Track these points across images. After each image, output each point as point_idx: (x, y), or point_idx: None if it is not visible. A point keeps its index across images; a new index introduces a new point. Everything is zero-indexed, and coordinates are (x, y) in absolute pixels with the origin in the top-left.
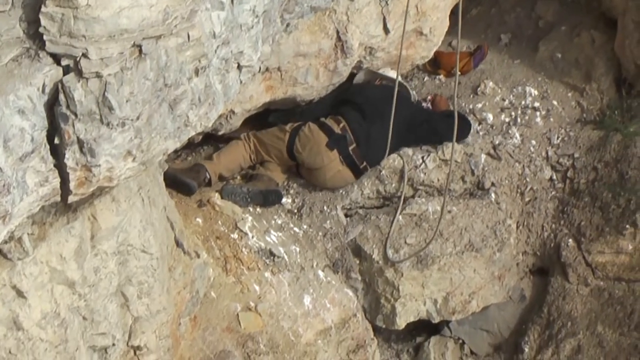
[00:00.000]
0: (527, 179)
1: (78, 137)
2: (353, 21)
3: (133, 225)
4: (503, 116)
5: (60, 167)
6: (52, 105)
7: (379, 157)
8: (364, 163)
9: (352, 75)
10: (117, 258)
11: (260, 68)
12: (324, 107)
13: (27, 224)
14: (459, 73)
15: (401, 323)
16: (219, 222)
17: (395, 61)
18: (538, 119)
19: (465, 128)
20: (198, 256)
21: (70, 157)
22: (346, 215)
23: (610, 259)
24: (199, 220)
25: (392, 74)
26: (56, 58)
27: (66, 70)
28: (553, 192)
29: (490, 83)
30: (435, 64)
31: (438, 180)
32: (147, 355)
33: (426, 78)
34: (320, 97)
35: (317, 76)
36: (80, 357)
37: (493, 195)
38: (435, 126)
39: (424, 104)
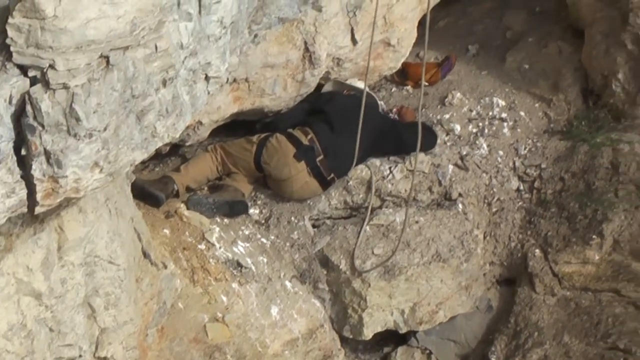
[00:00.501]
0: (495, 190)
1: (45, 149)
2: (321, 32)
3: (100, 236)
4: (470, 127)
5: (27, 178)
6: (19, 117)
7: (346, 169)
8: (332, 175)
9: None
10: (84, 269)
11: (228, 79)
12: (300, 115)
13: None
14: (426, 84)
15: (368, 333)
16: (187, 233)
17: (363, 72)
18: (505, 130)
19: (431, 139)
20: (165, 267)
21: (37, 169)
22: (314, 226)
23: (577, 269)
24: (167, 231)
25: (360, 84)
26: (23, 69)
27: (33, 82)
28: (520, 203)
29: (458, 94)
30: (403, 75)
31: (405, 190)
32: None
33: (394, 89)
34: (295, 106)
35: (285, 87)
36: None
37: (460, 205)
38: (402, 137)
39: (390, 115)
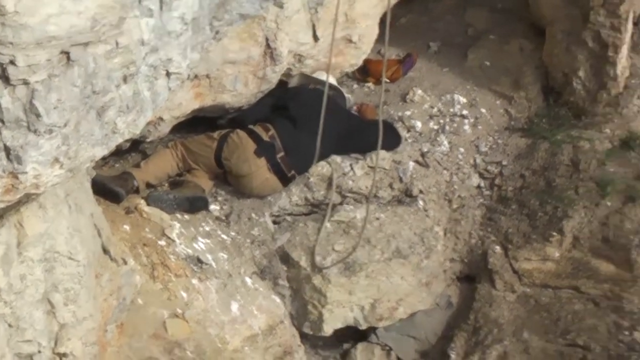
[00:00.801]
0: (455, 187)
1: (5, 144)
2: (282, 29)
3: (60, 232)
4: (432, 124)
5: None
6: None
7: (307, 165)
8: (292, 171)
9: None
10: (43, 265)
11: (189, 75)
12: (264, 110)
13: None
14: (387, 81)
15: (328, 330)
16: (147, 229)
17: (324, 69)
18: (466, 127)
19: (395, 139)
20: (125, 263)
21: None
22: (274, 222)
23: (537, 266)
24: (127, 227)
25: (325, 77)
26: None
27: None
28: (481, 200)
29: (419, 91)
30: (365, 72)
31: (366, 187)
32: None
33: (355, 86)
34: (260, 100)
35: (246, 83)
36: None
37: (421, 202)
38: (366, 135)
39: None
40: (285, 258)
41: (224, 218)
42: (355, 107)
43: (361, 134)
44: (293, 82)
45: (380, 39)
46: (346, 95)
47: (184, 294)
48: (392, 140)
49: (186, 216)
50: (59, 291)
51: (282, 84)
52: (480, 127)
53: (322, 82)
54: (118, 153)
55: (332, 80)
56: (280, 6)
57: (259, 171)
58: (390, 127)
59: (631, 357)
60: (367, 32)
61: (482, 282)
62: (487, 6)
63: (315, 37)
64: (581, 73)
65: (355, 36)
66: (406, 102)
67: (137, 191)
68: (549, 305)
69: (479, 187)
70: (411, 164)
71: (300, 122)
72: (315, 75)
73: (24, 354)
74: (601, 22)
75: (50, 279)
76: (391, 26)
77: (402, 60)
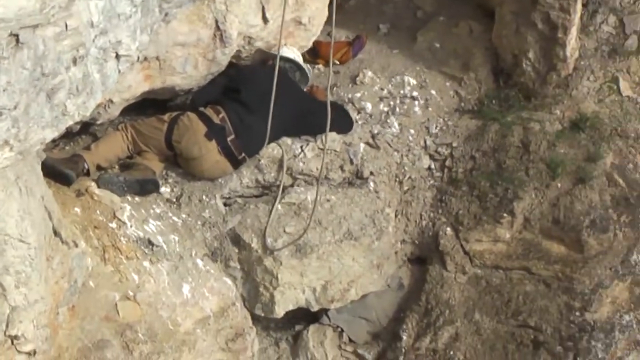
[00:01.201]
0: (406, 168)
1: None
2: (232, 10)
3: (10, 214)
4: (382, 105)
5: None
6: None
7: (258, 148)
8: (243, 154)
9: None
10: None
11: (138, 57)
12: (217, 90)
13: None
14: (337, 62)
15: (280, 311)
16: (98, 211)
17: (274, 51)
18: (417, 109)
19: (348, 123)
20: (76, 245)
21: None
22: (225, 205)
23: (488, 247)
24: (77, 209)
25: (288, 52)
26: None
27: None
28: (431, 181)
29: (369, 72)
30: (314, 54)
31: (317, 169)
32: (25, 344)
33: None
34: (214, 80)
35: (196, 65)
36: None
37: (372, 184)
38: (318, 117)
39: None
40: (237, 240)
41: (174, 200)
42: (306, 89)
43: (313, 116)
44: (251, 58)
45: (329, 20)
46: (309, 71)
47: (135, 277)
48: (345, 124)
49: (137, 198)
50: (10, 274)
51: (233, 64)
52: (430, 108)
53: (282, 58)
54: (68, 135)
55: (298, 56)
56: None
57: (209, 154)
58: (343, 110)
59: (582, 337)
60: (316, 14)
61: (433, 264)
62: None
63: (265, 19)
64: (531, 54)
65: (305, 18)
66: (356, 84)
67: (87, 174)
68: (500, 286)
69: (429, 168)
70: (362, 145)
71: (252, 105)
72: (273, 51)
73: None
74: (550, 3)
75: (1, 262)
76: (340, 8)
77: (351, 42)
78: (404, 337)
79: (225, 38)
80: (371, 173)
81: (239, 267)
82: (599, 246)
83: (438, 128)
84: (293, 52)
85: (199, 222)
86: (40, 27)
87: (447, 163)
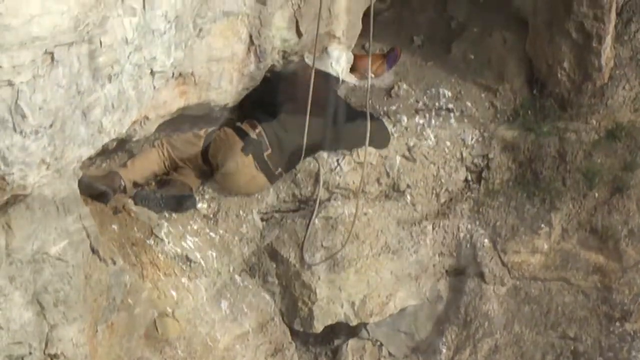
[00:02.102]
0: (442, 180)
1: None
2: (266, 25)
3: (48, 233)
4: (417, 118)
5: None
6: None
7: (295, 163)
8: (279, 169)
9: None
10: (32, 266)
11: (173, 73)
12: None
13: None
14: (372, 76)
15: (319, 326)
16: (135, 228)
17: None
18: (452, 120)
19: (386, 137)
20: (114, 263)
21: None
22: (262, 220)
23: (526, 258)
24: (115, 227)
25: (331, 67)
26: None
27: None
28: (468, 193)
29: (404, 85)
30: (350, 67)
31: (353, 182)
32: None
33: None
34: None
35: (231, 80)
36: None
37: (409, 197)
38: (355, 131)
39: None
40: (274, 255)
41: (211, 216)
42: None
43: (351, 130)
44: (296, 67)
45: (363, 33)
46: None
47: (174, 293)
48: (383, 139)
49: (174, 215)
50: (49, 292)
51: (268, 78)
52: (466, 120)
53: (322, 73)
54: (104, 153)
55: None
56: (264, 3)
57: (246, 169)
58: (381, 124)
59: (622, 348)
60: (350, 27)
61: (471, 276)
62: None
63: (299, 33)
64: (565, 64)
65: (338, 31)
66: (391, 96)
67: (124, 191)
68: (538, 297)
69: (466, 180)
70: (398, 158)
71: (288, 119)
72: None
73: (15, 356)
74: (584, 12)
75: (40, 280)
76: (373, 21)
77: (385, 55)
78: (444, 350)
79: (260, 53)
80: (408, 186)
81: (277, 282)
82: (637, 255)
83: (474, 139)
84: (336, 65)
85: (237, 238)
86: (75, 45)
87: (484, 174)
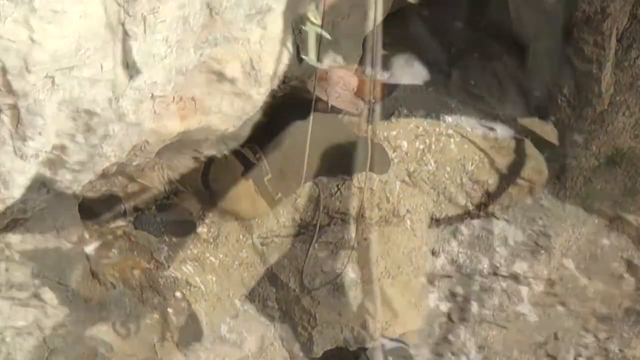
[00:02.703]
0: (442, 206)
1: None
2: (266, 49)
3: (48, 256)
4: (417, 143)
5: None
6: None
7: (295, 188)
8: (279, 194)
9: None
10: (32, 290)
11: (174, 97)
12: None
13: None
14: (374, 101)
15: (318, 351)
16: (135, 252)
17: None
18: (452, 146)
19: (386, 162)
20: (114, 287)
21: None
22: (262, 244)
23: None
24: (115, 251)
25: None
26: None
27: None
28: (468, 218)
29: (405, 110)
30: None
31: (353, 207)
32: None
33: None
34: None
35: (232, 105)
36: None
37: (408, 222)
38: (359, 157)
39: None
40: (274, 280)
41: (211, 240)
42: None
43: (352, 156)
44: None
45: (364, 59)
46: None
47: (174, 318)
48: (383, 164)
49: (174, 239)
50: (48, 316)
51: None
52: (465, 145)
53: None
54: (105, 177)
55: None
56: (264, 27)
57: (246, 194)
58: (382, 150)
59: None
60: (350, 52)
61: (471, 301)
62: (469, 24)
63: (300, 58)
64: (565, 90)
65: (338, 57)
66: (391, 121)
67: (124, 215)
68: (538, 323)
69: (465, 205)
70: (398, 183)
71: (288, 144)
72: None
73: None
74: (585, 38)
75: (40, 303)
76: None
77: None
78: None
79: (260, 77)
80: (407, 211)
81: (276, 306)
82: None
83: (474, 165)
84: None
85: (236, 262)
86: (75, 69)
87: (484, 200)
